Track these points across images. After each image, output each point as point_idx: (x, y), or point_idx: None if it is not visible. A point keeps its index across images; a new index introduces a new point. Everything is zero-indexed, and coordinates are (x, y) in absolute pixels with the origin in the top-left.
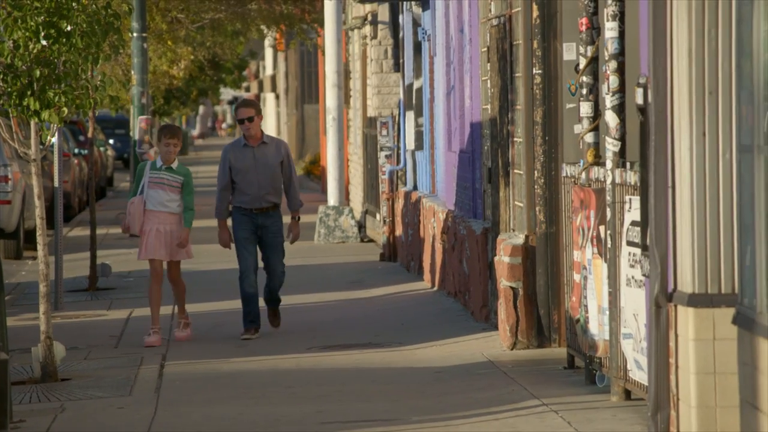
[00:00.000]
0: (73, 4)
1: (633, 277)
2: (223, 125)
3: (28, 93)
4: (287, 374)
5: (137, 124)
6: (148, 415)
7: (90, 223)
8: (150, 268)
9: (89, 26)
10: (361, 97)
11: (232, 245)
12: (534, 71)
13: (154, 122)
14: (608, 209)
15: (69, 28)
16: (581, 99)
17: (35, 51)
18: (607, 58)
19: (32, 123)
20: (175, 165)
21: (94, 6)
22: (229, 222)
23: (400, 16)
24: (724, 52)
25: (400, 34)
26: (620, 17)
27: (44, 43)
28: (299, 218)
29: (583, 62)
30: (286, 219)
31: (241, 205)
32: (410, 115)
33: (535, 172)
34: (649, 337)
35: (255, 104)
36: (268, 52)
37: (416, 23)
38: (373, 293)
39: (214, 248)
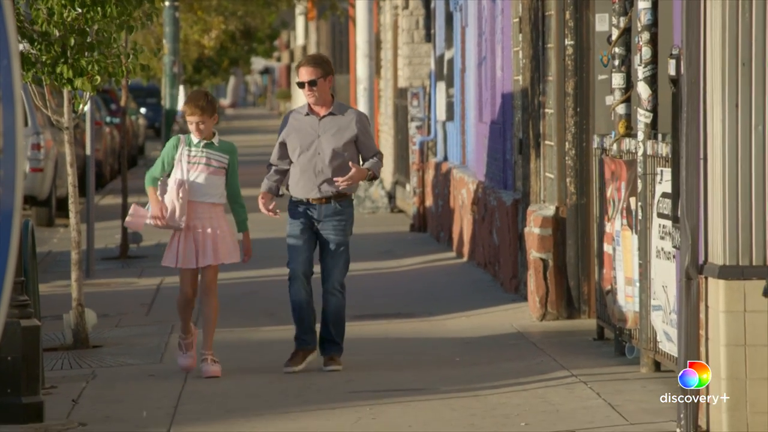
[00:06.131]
0: None
1: (663, 249)
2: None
3: (62, 61)
4: None
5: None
6: (179, 382)
7: (122, 192)
8: (181, 280)
9: None
10: (392, 67)
11: (277, 215)
12: (566, 42)
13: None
14: (639, 181)
15: None
16: (613, 70)
17: (69, 19)
18: (639, 29)
19: (65, 91)
20: (216, 140)
21: None
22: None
23: None
24: (758, 24)
25: (432, 4)
26: None
27: (78, 10)
28: (371, 175)
29: (615, 33)
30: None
31: (294, 195)
32: (441, 86)
33: (566, 143)
34: (679, 309)
35: (321, 63)
36: (299, 22)
37: None
38: (403, 264)
39: (255, 217)
